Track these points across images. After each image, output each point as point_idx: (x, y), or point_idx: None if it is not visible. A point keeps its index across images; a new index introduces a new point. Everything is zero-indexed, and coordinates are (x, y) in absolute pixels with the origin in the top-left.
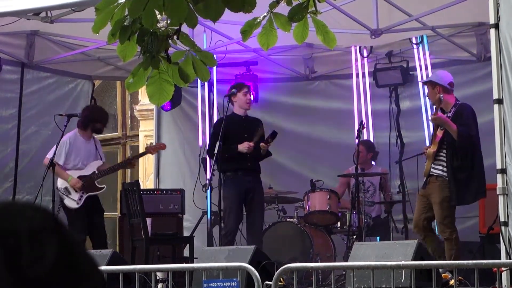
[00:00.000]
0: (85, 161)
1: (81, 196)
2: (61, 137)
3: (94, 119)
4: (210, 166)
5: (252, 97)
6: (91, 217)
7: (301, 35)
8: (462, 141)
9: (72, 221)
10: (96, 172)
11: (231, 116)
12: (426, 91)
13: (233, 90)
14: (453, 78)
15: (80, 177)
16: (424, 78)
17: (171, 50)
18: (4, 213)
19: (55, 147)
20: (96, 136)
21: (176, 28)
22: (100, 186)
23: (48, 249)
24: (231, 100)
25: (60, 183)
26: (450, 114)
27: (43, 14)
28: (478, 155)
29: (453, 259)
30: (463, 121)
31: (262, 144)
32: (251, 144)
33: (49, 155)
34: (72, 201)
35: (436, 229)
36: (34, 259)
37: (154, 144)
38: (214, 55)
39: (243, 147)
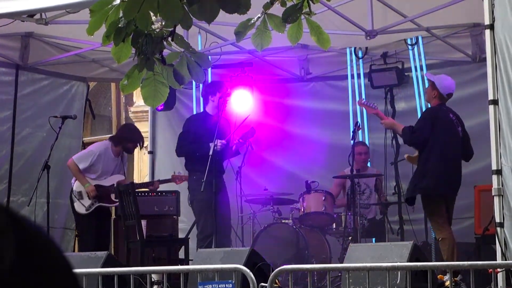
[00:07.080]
0: (108, 174)
1: (92, 204)
2: (56, 139)
3: (127, 138)
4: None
5: None
6: (100, 220)
7: (295, 36)
8: (405, 138)
9: (79, 223)
10: (115, 185)
11: (203, 115)
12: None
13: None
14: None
15: (97, 186)
16: (419, 79)
17: (165, 52)
18: None
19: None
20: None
21: (170, 29)
22: (114, 200)
23: (5, 249)
24: (207, 97)
25: (76, 186)
26: None
27: (37, 16)
28: (431, 151)
29: (446, 260)
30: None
31: (240, 140)
32: (224, 142)
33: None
34: (82, 207)
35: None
36: None
37: (179, 173)
38: (209, 57)
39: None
